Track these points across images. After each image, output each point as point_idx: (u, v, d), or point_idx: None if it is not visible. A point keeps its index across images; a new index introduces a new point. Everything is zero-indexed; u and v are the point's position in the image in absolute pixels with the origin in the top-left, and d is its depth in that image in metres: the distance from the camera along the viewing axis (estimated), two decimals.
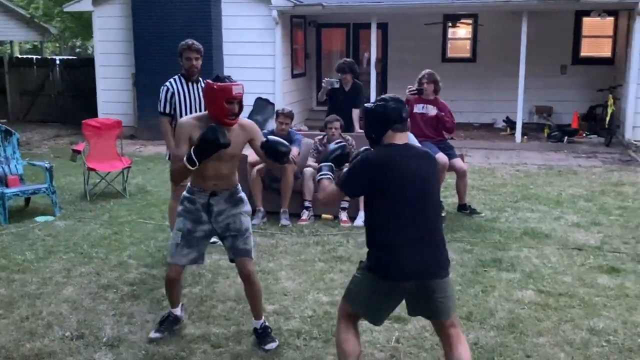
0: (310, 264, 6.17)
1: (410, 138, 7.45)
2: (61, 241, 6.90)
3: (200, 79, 6.28)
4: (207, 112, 4.31)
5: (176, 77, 6.29)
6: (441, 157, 7.60)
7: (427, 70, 7.88)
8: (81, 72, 17.68)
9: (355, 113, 8.73)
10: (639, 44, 12.69)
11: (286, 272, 5.92)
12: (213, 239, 5.13)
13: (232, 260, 4.59)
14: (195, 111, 6.15)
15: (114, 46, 14.98)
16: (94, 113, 15.24)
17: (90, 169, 8.80)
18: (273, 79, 14.11)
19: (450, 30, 16.28)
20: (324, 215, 7.71)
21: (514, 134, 14.03)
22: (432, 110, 7.79)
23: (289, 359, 4.38)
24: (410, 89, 7.75)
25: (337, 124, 7.70)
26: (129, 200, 8.67)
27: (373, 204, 3.66)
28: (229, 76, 4.32)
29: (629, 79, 12.91)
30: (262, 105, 13.65)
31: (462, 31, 16.35)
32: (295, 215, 7.62)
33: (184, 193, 4.54)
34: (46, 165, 8.05)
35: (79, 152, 8.84)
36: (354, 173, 3.67)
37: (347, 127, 8.21)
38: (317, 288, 5.57)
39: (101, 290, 5.54)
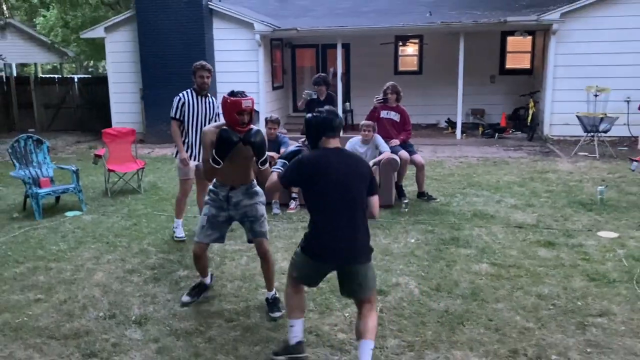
0: None
1: (376, 138, 7.45)
2: (89, 232, 6.61)
3: (209, 94, 6.23)
4: (224, 121, 4.32)
5: (189, 90, 6.18)
6: (403, 153, 7.52)
7: (391, 83, 7.76)
8: (96, 88, 17.20)
9: None
10: (553, 57, 12.74)
11: (281, 254, 5.72)
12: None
13: (249, 241, 4.51)
14: (201, 120, 6.18)
15: (123, 66, 14.56)
16: (108, 122, 14.85)
17: (110, 170, 8.48)
18: (258, 91, 13.83)
19: (400, 49, 16.13)
20: None
21: (454, 132, 14.00)
22: (395, 116, 7.70)
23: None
24: (377, 98, 7.65)
25: None
26: (144, 196, 8.37)
27: (306, 196, 3.59)
28: (243, 92, 4.25)
29: (546, 86, 12.95)
30: None
31: (410, 49, 16.20)
32: (284, 205, 7.43)
33: (210, 186, 4.51)
34: (73, 168, 7.71)
35: (100, 156, 8.54)
36: (291, 169, 3.62)
37: None
38: None
39: (127, 275, 5.28)
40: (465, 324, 4.18)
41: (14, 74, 23.21)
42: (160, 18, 13.58)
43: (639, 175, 8.54)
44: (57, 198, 7.91)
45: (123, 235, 6.49)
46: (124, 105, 14.76)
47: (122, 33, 14.42)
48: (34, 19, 26.06)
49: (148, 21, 13.67)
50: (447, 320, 4.23)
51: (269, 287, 4.53)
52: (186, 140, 6.19)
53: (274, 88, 15.18)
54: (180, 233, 6.35)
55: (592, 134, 11.07)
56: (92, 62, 33.54)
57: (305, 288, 3.92)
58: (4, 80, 17.80)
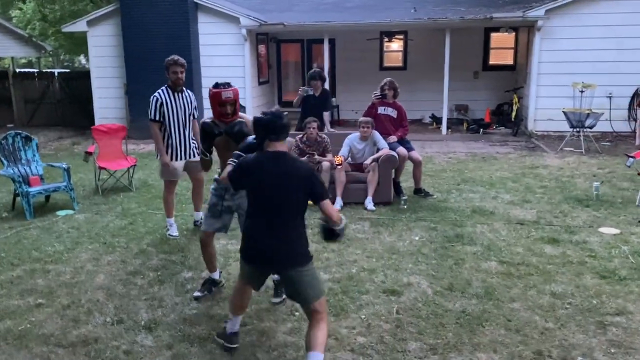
0: None
1: (375, 135, 7.31)
2: (84, 232, 6.34)
3: (184, 88, 6.01)
4: None
5: (163, 88, 5.92)
6: (402, 150, 7.41)
7: (388, 79, 7.62)
8: (77, 83, 16.66)
9: (326, 115, 8.40)
10: (538, 54, 12.72)
11: None
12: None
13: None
14: (181, 118, 5.96)
15: (107, 61, 14.18)
16: (90, 117, 14.47)
17: (101, 168, 8.20)
18: (244, 86, 13.57)
19: (386, 44, 16.00)
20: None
21: (440, 127, 13.94)
22: (392, 112, 7.58)
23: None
24: (375, 94, 7.51)
25: (315, 125, 7.34)
26: (136, 194, 8.10)
27: (248, 198, 3.54)
28: (228, 83, 4.22)
29: (530, 82, 12.95)
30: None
31: (395, 45, 16.09)
32: None
33: (215, 176, 4.52)
34: (64, 166, 7.42)
35: (90, 153, 8.22)
36: (233, 170, 3.57)
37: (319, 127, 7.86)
38: (316, 267, 5.22)
39: (130, 277, 5.06)
40: (484, 325, 4.07)
41: None
42: (145, 12, 13.24)
43: (628, 171, 8.56)
44: (47, 197, 7.60)
45: (120, 235, 6.24)
46: (108, 100, 14.40)
47: (105, 27, 14.03)
48: (10, 12, 25.29)
49: (132, 15, 13.32)
50: (465, 321, 4.12)
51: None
52: (169, 142, 5.93)
53: (259, 83, 14.92)
54: (174, 231, 6.15)
55: (577, 129, 11.11)
56: (68, 56, 32.76)
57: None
58: None
